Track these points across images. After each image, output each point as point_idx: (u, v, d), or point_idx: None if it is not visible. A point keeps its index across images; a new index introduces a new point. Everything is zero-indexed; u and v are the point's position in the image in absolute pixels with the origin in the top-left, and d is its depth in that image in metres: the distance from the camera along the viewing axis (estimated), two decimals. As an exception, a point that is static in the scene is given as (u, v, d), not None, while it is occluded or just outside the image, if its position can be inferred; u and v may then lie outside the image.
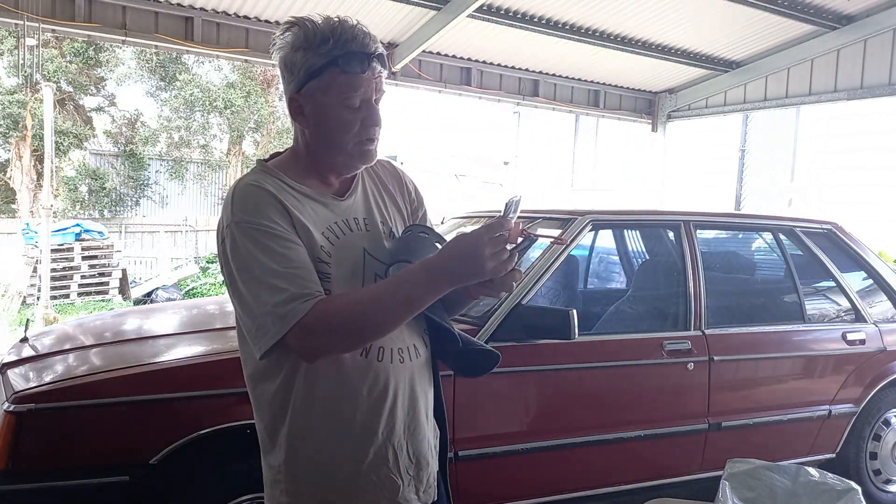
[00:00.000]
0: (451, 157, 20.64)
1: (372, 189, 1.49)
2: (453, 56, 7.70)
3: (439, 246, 1.39)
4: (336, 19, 1.32)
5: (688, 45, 7.88)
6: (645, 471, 3.20)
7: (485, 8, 6.44)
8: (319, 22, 1.32)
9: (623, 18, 7.04)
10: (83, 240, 10.54)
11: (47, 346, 2.91)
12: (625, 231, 4.10)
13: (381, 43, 1.44)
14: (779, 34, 7.45)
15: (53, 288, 8.92)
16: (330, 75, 1.31)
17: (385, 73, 1.38)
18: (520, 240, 1.26)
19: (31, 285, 9.62)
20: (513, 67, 8.21)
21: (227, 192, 1.38)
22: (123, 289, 10.73)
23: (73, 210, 16.84)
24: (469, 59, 7.85)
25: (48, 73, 14.38)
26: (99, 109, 18.85)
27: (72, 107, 17.68)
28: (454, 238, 1.26)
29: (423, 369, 1.45)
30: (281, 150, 1.50)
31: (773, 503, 1.87)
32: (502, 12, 6.76)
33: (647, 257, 4.07)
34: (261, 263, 1.27)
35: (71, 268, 10.26)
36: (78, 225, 10.83)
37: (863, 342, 3.64)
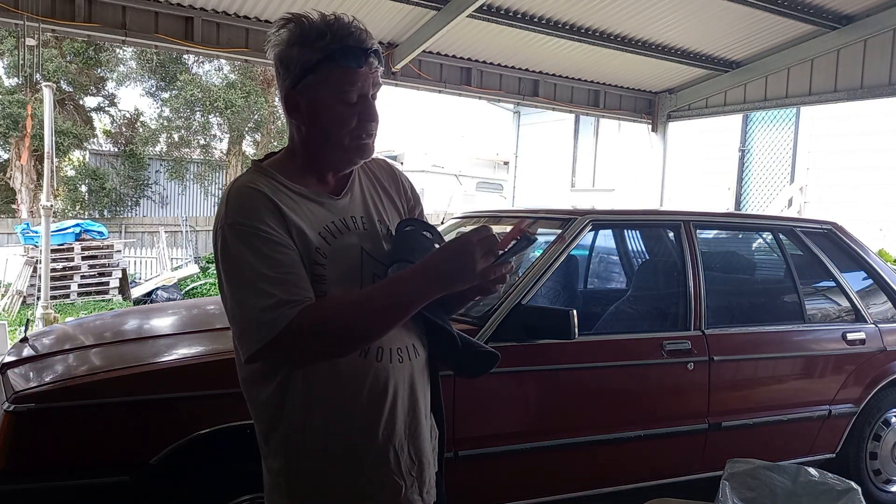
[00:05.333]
0: (451, 157, 20.64)
1: (368, 187, 1.48)
2: (453, 56, 7.69)
3: (428, 235, 1.39)
4: (332, 15, 1.32)
5: (688, 45, 7.86)
6: (645, 471, 3.19)
7: (485, 8, 6.42)
8: (315, 17, 1.31)
9: (623, 18, 7.03)
10: (83, 240, 10.54)
11: (47, 346, 2.91)
12: (625, 231, 4.09)
13: (381, 43, 1.44)
14: (779, 34, 7.43)
15: (53, 288, 8.90)
16: (326, 70, 1.30)
17: (381, 68, 1.37)
18: (513, 242, 1.25)
19: (31, 285, 9.62)
20: (513, 67, 8.19)
21: (223, 193, 1.37)
22: (123, 289, 10.73)
23: (73, 210, 16.82)
24: (469, 59, 7.83)
25: (48, 73, 14.35)
26: (99, 109, 18.84)
27: (72, 107, 17.68)
28: (445, 243, 1.25)
29: (422, 369, 1.43)
30: (279, 150, 1.49)
31: (773, 503, 1.87)
32: (502, 12, 6.75)
33: (647, 257, 4.07)
34: (251, 267, 1.25)
35: (71, 268, 10.26)
36: (79, 225, 10.82)
37: (863, 342, 3.64)
